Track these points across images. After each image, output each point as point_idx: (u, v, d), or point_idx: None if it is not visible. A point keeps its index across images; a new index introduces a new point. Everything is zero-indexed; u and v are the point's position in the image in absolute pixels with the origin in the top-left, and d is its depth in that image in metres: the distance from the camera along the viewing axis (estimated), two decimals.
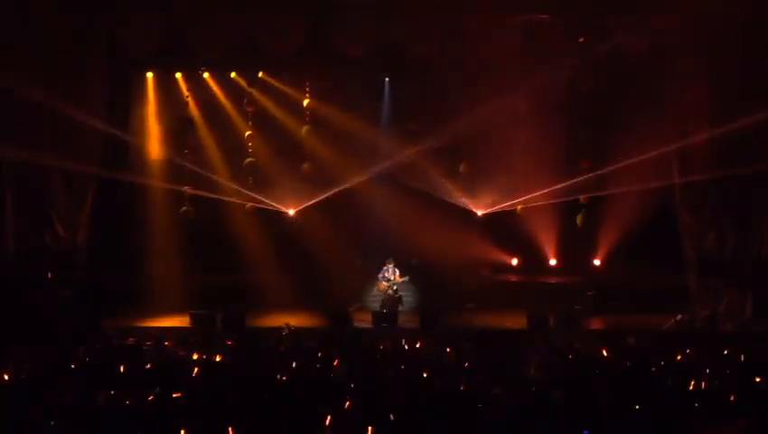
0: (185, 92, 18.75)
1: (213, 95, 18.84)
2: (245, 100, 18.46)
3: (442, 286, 18.30)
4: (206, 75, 18.68)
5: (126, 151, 18.35)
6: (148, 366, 9.41)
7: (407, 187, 18.93)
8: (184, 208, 18.45)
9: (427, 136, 18.43)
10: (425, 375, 8.71)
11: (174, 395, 7.48)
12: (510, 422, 6.71)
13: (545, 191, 18.01)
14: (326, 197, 18.90)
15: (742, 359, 10.26)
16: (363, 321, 16.33)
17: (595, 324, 16.53)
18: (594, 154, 17.76)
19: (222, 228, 18.85)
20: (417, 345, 11.60)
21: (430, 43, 16.59)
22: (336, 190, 18.79)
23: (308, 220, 19.05)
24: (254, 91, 18.49)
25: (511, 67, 16.89)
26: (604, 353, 10.81)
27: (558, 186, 17.94)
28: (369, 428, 6.41)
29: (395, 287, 17.62)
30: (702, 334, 14.64)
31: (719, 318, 15.65)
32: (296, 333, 13.98)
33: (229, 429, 6.38)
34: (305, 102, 18.52)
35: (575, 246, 18.73)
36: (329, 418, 6.53)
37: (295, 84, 18.65)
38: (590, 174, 17.76)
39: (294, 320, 14.87)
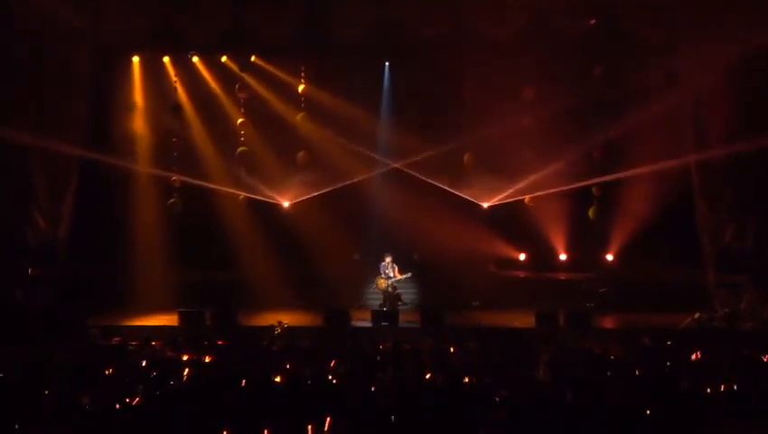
0: (173, 77, 18.70)
1: (203, 80, 18.79)
2: (237, 86, 18.41)
3: (445, 282, 18.28)
4: (195, 59, 18.63)
5: (110, 139, 18.30)
6: (135, 367, 9.43)
7: (409, 178, 18.88)
8: (172, 200, 18.44)
9: (430, 123, 18.41)
10: (427, 377, 8.72)
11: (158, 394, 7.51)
12: (517, 426, 6.72)
13: (554, 182, 17.99)
14: (323, 188, 18.88)
15: (763, 359, 10.27)
16: (362, 320, 16.34)
17: (608, 322, 16.58)
18: (606, 143, 17.72)
19: (212, 221, 18.83)
20: (419, 345, 11.61)
21: (432, 26, 16.55)
22: (333, 180, 18.78)
23: (304, 212, 19.04)
24: (246, 76, 18.43)
25: (518, 50, 16.86)
26: (617, 353, 10.83)
27: (569, 177, 17.93)
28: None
29: (394, 285, 17.60)
30: (721, 334, 14.68)
31: (739, 316, 15.69)
32: (290, 332, 14.01)
33: (224, 432, 6.41)
34: (301, 88, 18.49)
35: (586, 240, 18.72)
36: (327, 421, 6.54)
37: (290, 69, 18.58)
38: (601, 165, 17.78)
39: (287, 319, 14.89)
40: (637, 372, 9.14)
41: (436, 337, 12.71)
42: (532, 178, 18.20)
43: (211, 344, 11.98)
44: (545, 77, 17.36)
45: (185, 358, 10.29)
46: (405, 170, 18.94)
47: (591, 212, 18.26)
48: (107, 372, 9.09)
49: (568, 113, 17.51)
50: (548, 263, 19.20)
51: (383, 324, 15.98)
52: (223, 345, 12.02)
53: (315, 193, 19.06)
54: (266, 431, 6.47)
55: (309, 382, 8.34)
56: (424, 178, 18.75)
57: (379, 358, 10.40)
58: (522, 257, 19.46)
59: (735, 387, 8.20)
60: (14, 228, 16.30)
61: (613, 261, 18.73)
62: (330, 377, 8.82)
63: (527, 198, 18.60)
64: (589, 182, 17.95)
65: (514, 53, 16.88)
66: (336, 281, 18.40)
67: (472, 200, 19.07)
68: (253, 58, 18.39)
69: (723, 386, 8.19)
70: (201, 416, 6.87)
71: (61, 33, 16.30)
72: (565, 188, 18.03)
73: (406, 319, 16.42)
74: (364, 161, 18.96)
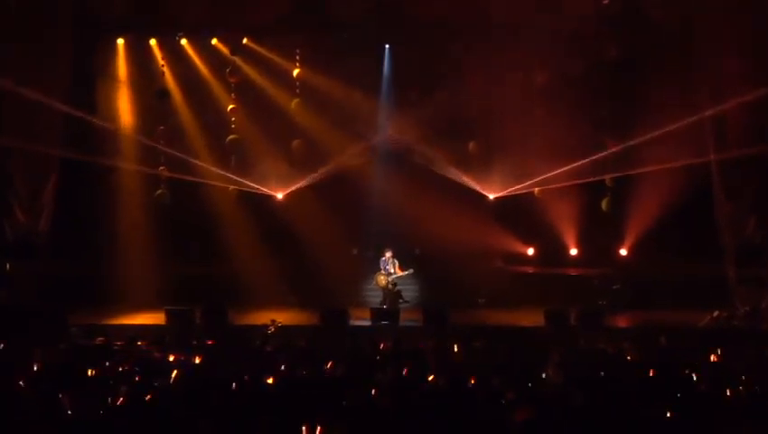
0: (161, 61, 18.65)
1: (192, 64, 18.77)
2: (227, 70, 18.37)
3: (449, 279, 18.26)
4: (184, 41, 18.60)
5: (93, 127, 18.26)
6: (119, 369, 9.43)
7: (410, 168, 18.88)
8: (159, 191, 18.43)
9: (433, 110, 18.36)
10: (430, 379, 8.72)
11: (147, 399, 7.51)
12: (526, 429, 6.71)
13: (565, 172, 17.95)
14: (318, 179, 18.86)
15: None
16: (361, 318, 16.34)
17: (621, 321, 16.58)
18: (620, 130, 17.69)
19: (201, 214, 18.82)
20: (421, 345, 11.61)
21: (434, 6, 16.51)
22: (329, 171, 18.75)
23: (298, 204, 19.02)
24: (237, 60, 18.40)
25: (526, 33, 16.82)
26: (631, 353, 10.83)
27: (580, 167, 17.89)
28: None
29: (394, 281, 17.58)
30: (742, 333, 14.69)
31: (761, 315, 15.68)
32: (284, 331, 14.02)
33: None
34: (295, 72, 18.44)
35: (598, 234, 18.70)
36: (320, 427, 6.54)
37: (284, 52, 18.54)
38: (615, 154, 17.75)
39: (281, 317, 14.90)
40: (652, 374, 9.13)
41: (440, 337, 12.71)
42: (542, 168, 18.15)
43: (201, 344, 11.98)
44: (556, 59, 17.32)
45: (173, 359, 10.29)
46: (406, 159, 18.92)
47: (604, 204, 18.24)
48: (90, 374, 9.09)
49: (580, 98, 17.52)
50: (559, 258, 19.18)
51: (383, 322, 16.01)
52: (213, 345, 12.02)
53: (310, 183, 19.03)
54: None
55: (305, 384, 8.33)
56: (427, 168, 18.73)
57: (378, 358, 10.40)
58: (531, 251, 19.46)
59: (757, 389, 8.19)
60: None
61: (627, 256, 18.72)
62: (327, 379, 8.82)
63: (536, 189, 18.58)
64: (599, 161, 17.89)
65: (523, 35, 16.84)
66: (333, 278, 18.35)
67: (478, 190, 19.05)
68: (245, 40, 18.36)
69: (743, 388, 8.19)
70: (189, 420, 6.87)
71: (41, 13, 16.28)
72: (577, 182, 18.02)
73: (407, 318, 16.43)
74: (363, 150, 18.93)
